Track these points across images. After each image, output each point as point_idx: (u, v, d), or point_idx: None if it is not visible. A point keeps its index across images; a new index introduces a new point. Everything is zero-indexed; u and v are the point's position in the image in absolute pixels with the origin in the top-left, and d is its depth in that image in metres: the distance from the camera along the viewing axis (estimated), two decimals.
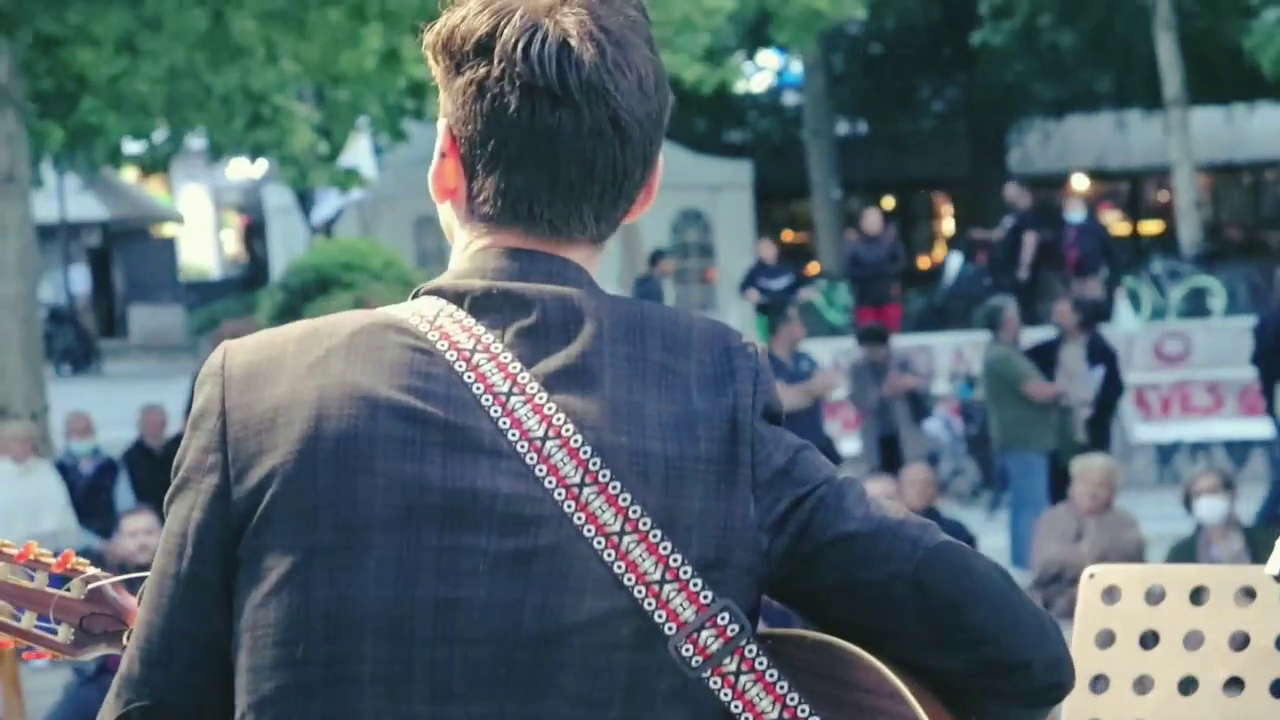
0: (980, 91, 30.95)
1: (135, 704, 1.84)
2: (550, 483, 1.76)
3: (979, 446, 15.52)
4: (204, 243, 45.33)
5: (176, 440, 11.11)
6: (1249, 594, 2.54)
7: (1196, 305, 20.80)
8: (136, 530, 9.31)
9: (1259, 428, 16.30)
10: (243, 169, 38.92)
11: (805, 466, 1.84)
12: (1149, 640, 2.59)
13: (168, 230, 43.10)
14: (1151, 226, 37.44)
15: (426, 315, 1.82)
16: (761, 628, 1.86)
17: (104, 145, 15.64)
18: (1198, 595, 2.58)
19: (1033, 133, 33.18)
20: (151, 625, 1.84)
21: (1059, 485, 13.06)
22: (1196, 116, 25.05)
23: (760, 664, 1.79)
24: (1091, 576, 2.63)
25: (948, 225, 41.60)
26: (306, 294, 18.97)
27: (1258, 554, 9.25)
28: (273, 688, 1.76)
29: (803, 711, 1.79)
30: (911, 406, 13.92)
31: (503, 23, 1.82)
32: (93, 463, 13.03)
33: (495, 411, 1.77)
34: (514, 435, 1.77)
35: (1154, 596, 2.59)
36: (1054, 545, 9.76)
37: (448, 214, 1.93)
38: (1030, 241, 21.41)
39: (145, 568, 7.44)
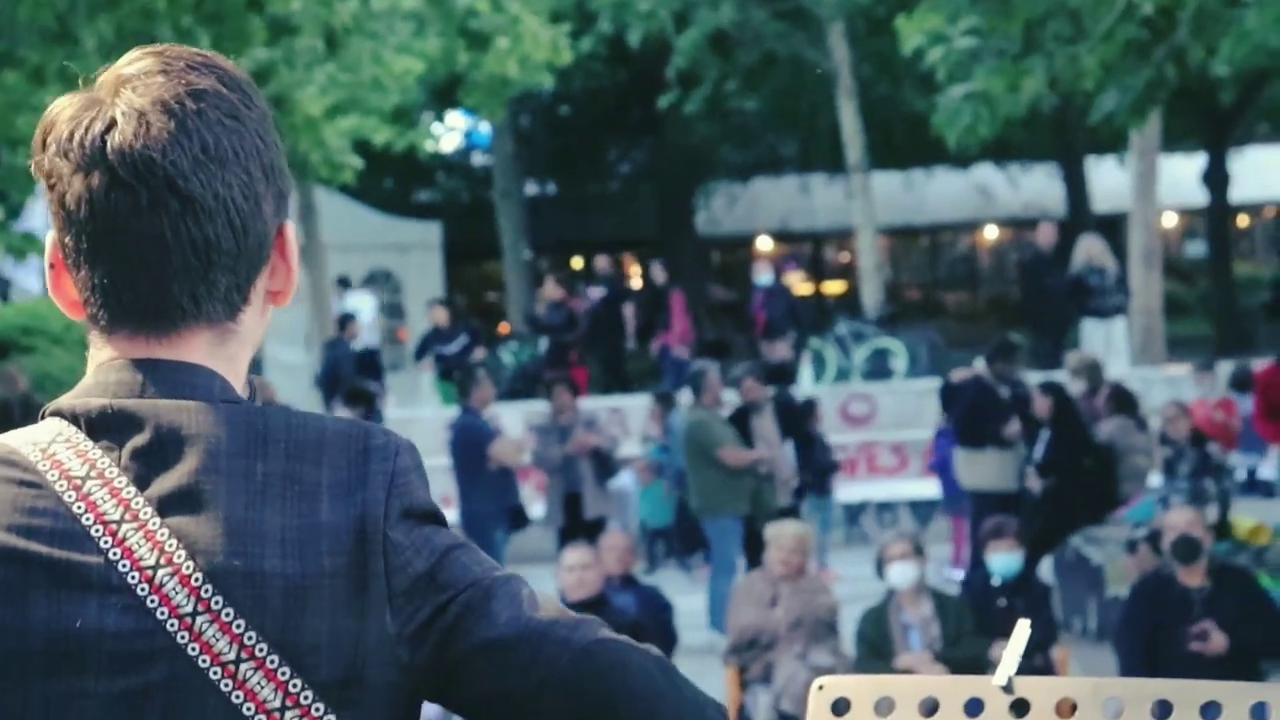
0: (668, 154, 31.45)
1: None
2: (162, 614, 1.68)
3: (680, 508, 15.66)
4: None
5: None
6: (978, 705, 2.57)
7: (879, 366, 21.31)
8: None
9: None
10: None
11: (452, 569, 1.76)
12: None
13: None
14: (834, 287, 38.35)
15: (40, 443, 1.74)
16: None
17: None
18: (928, 706, 2.60)
19: (719, 195, 33.77)
20: None
21: (756, 550, 13.29)
22: (877, 180, 25.76)
23: None
24: (821, 688, 2.63)
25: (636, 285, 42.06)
26: None
27: (946, 617, 9.47)
28: None
29: None
30: (597, 465, 13.97)
31: (64, 110, 1.77)
32: None
33: (105, 543, 1.69)
34: (125, 566, 1.69)
35: (885, 708, 2.60)
36: (749, 611, 9.85)
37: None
38: (629, 312, 22.60)
39: None
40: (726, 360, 18.48)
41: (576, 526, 13.47)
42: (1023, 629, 2.08)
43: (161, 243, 1.74)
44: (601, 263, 25.68)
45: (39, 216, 19.66)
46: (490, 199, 30.39)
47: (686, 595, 12.56)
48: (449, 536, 1.79)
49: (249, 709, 1.69)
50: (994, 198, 34.53)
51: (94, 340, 1.80)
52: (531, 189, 32.99)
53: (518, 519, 13.56)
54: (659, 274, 23.13)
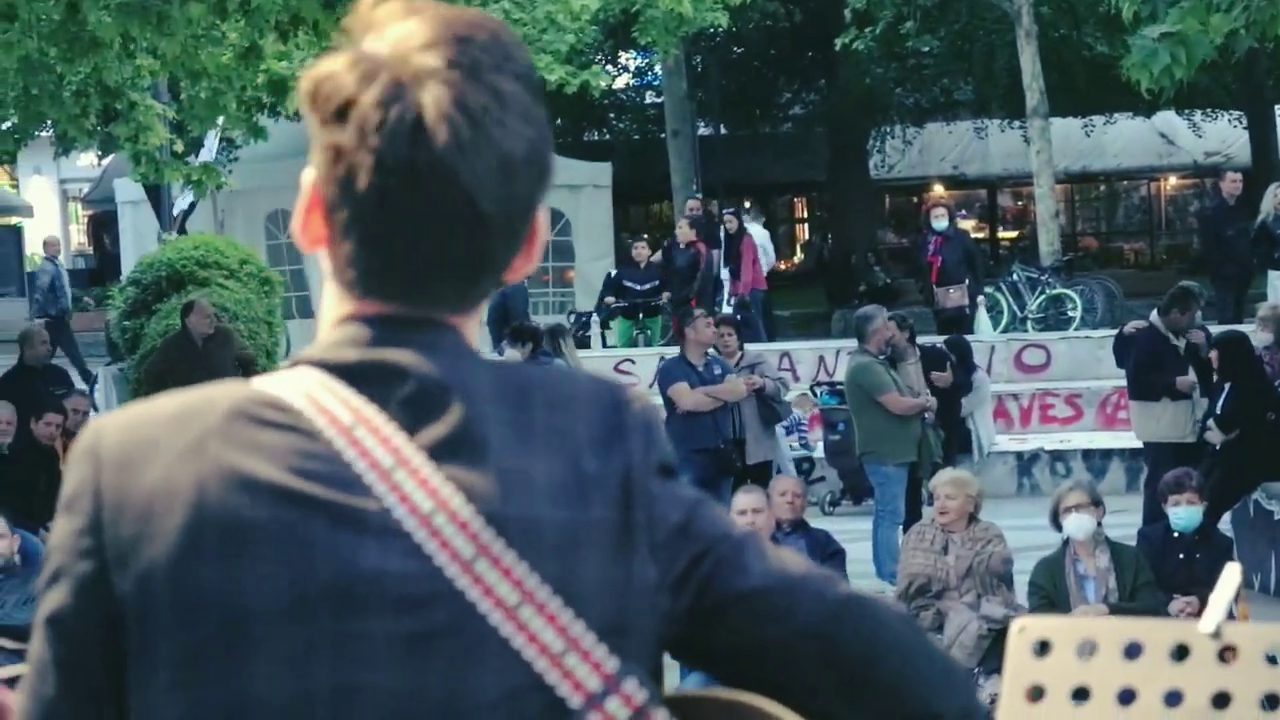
0: (841, 96, 31.13)
1: None
2: (442, 559, 1.69)
3: (841, 455, 15.53)
4: (50, 234, 44.56)
5: (23, 439, 10.77)
6: (1183, 651, 2.46)
7: (1054, 315, 21.01)
8: None
9: (1117, 439, 16.47)
10: (90, 161, 38.34)
11: (703, 522, 1.79)
12: (1081, 696, 2.49)
13: (13, 221, 42.32)
14: (1008, 235, 37.92)
15: (303, 390, 1.74)
16: (670, 689, 1.79)
17: None
18: (1131, 651, 2.49)
19: (892, 139, 33.42)
20: (30, 711, 1.77)
21: (918, 498, 13.15)
22: (1055, 125, 25.32)
23: None
24: (1022, 630, 2.53)
25: (804, 230, 41.93)
26: (160, 291, 18.59)
27: (1123, 569, 9.29)
28: None
29: None
30: (762, 409, 13.82)
31: (364, 88, 1.71)
32: None
33: (380, 489, 1.70)
34: (402, 512, 1.70)
35: (1086, 651, 2.50)
36: (920, 559, 9.73)
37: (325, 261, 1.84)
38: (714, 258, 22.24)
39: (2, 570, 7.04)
40: (895, 306, 18.29)
41: (743, 470, 13.34)
42: (1233, 574, 2.01)
43: (444, 249, 1.74)
44: (693, 204, 25.44)
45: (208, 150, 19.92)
46: (661, 139, 30.31)
47: (855, 542, 12.45)
48: (692, 491, 1.82)
49: (530, 653, 1.69)
50: (1176, 145, 33.89)
51: (339, 293, 1.80)
52: (703, 130, 32.84)
53: (726, 457, 13.26)
54: (731, 221, 22.87)
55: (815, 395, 16.85)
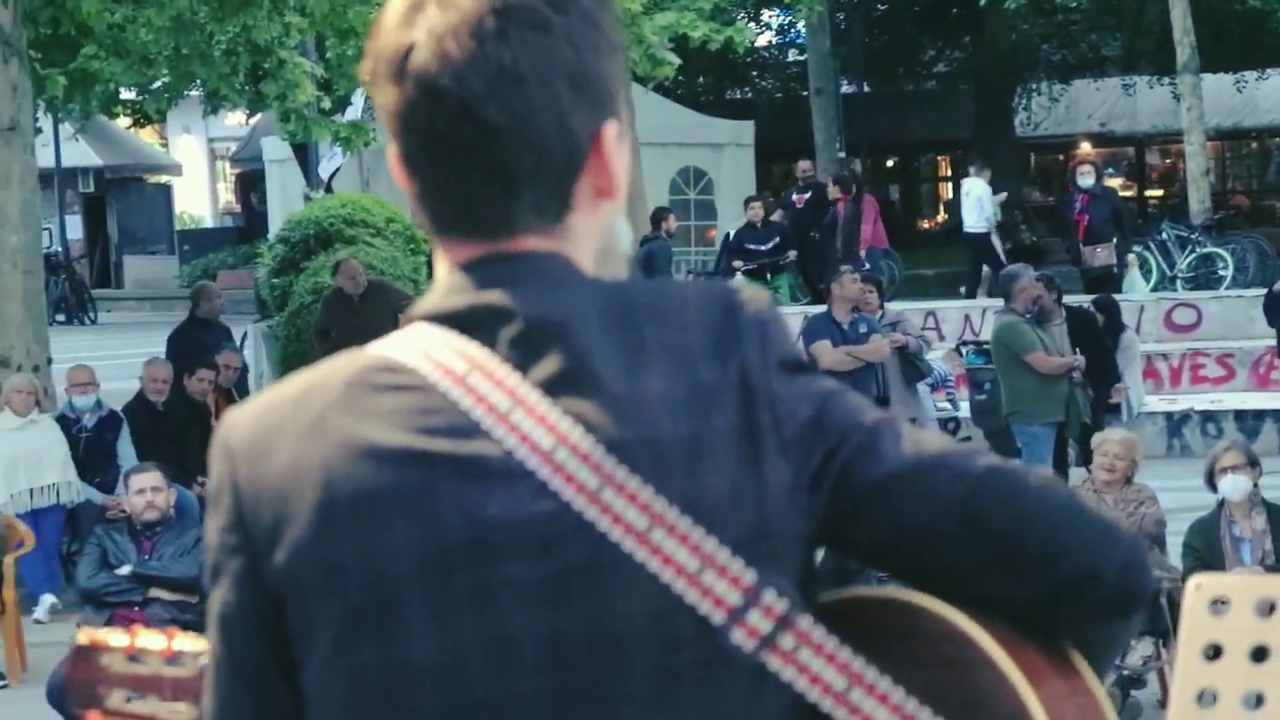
0: (986, 53, 30.77)
1: None
2: (569, 494, 1.68)
3: (986, 415, 15.38)
4: (198, 193, 45.14)
5: (178, 395, 10.96)
6: None
7: (1205, 274, 20.67)
8: (144, 487, 9.17)
9: (1271, 399, 16.21)
10: (238, 120, 38.74)
11: (835, 414, 1.75)
12: (1260, 655, 2.45)
13: (162, 179, 42.90)
14: (1155, 193, 37.35)
15: (417, 346, 1.76)
16: (826, 593, 1.78)
17: (101, 93, 15.42)
18: None
19: (1038, 96, 32.99)
20: (213, 707, 1.83)
21: (1064, 459, 13.01)
22: (1206, 81, 24.87)
23: (817, 636, 1.70)
24: (1198, 587, 2.49)
25: (947, 188, 41.53)
26: (308, 248, 18.77)
27: (1278, 533, 9.14)
28: None
29: (871, 676, 1.70)
30: (904, 366, 13.73)
31: (388, 23, 1.77)
32: (94, 416, 12.88)
33: (500, 433, 1.70)
34: (524, 452, 1.69)
35: (1265, 609, 2.45)
36: None
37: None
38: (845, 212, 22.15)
39: (152, 525, 7.31)
40: (1041, 265, 18.08)
41: None
42: None
43: (461, 165, 1.75)
44: (804, 165, 25.23)
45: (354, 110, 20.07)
46: (804, 97, 30.12)
47: None
48: (824, 383, 1.78)
49: (667, 575, 1.68)
50: None
51: (435, 244, 1.82)
52: (846, 88, 32.60)
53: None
54: (834, 190, 22.66)
55: (962, 354, 16.70)
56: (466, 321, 1.75)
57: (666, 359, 1.72)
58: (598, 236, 1.84)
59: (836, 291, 13.34)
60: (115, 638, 2.25)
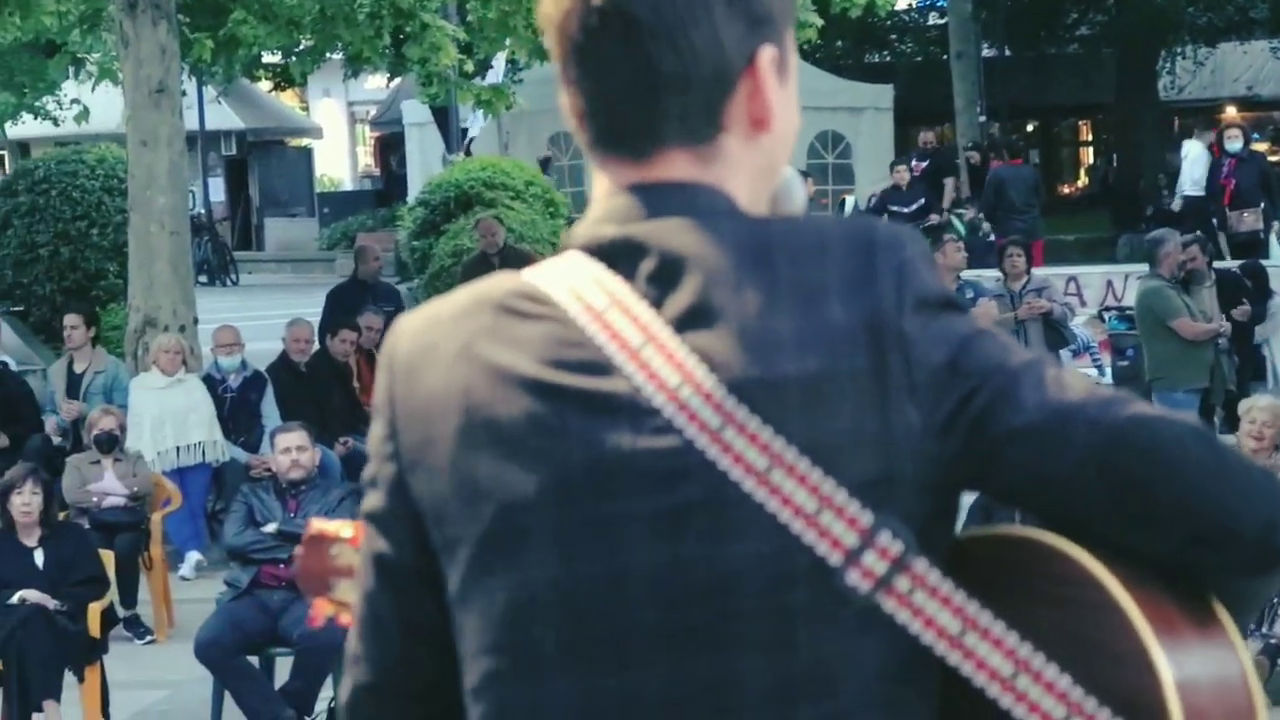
0: (1130, 16, 30.31)
1: (360, 681, 1.90)
2: (691, 431, 1.70)
3: (1129, 381, 15.23)
4: (338, 156, 45.52)
5: (321, 355, 11.11)
6: None
7: None
8: (289, 446, 9.29)
9: None
10: (378, 84, 38.99)
11: (973, 357, 1.73)
12: None
13: (303, 143, 43.29)
14: None
15: (562, 278, 1.79)
16: (968, 530, 1.77)
17: (244, 57, 15.54)
18: None
19: (1183, 59, 32.47)
20: (360, 606, 1.90)
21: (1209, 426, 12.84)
22: None
23: (933, 579, 1.69)
24: None
25: (1088, 153, 41.04)
26: (448, 211, 18.90)
27: None
28: (478, 675, 1.79)
29: (985, 620, 1.69)
30: (1048, 332, 13.60)
31: None
32: (239, 376, 13.05)
33: (630, 368, 1.73)
34: (650, 389, 1.72)
35: None
36: None
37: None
38: (950, 185, 22.31)
39: (298, 484, 7.35)
40: (1185, 230, 17.79)
41: None
42: None
43: (608, 66, 1.78)
44: (926, 136, 24.96)
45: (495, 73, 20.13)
46: (944, 61, 29.85)
47: None
48: (967, 323, 1.75)
49: (785, 516, 1.69)
50: None
51: (594, 170, 1.85)
52: (986, 51, 32.27)
53: None
54: (974, 156, 22.44)
55: (1104, 319, 16.53)
56: (610, 254, 1.77)
57: (798, 297, 1.71)
58: (759, 173, 1.83)
59: (940, 260, 13.26)
60: (344, 529, 2.30)
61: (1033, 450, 1.70)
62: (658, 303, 1.73)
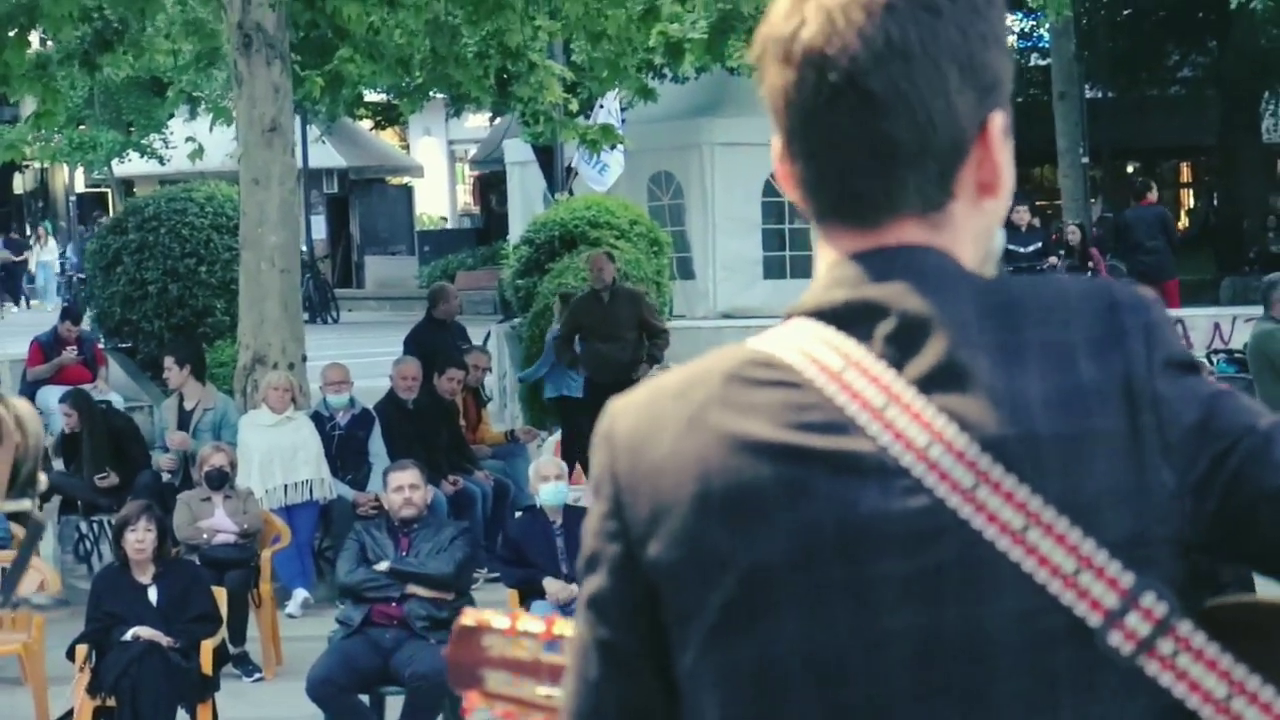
0: (1234, 58, 30.09)
1: None
2: (943, 491, 1.68)
3: None
4: (438, 194, 45.85)
5: (427, 393, 11.15)
6: None
7: None
8: (403, 485, 9.32)
9: None
10: (479, 122, 39.24)
11: (1223, 417, 1.70)
12: None
13: (403, 181, 43.62)
14: None
15: (794, 342, 1.77)
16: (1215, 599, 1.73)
17: (348, 95, 15.63)
18: None
19: None
20: (576, 691, 1.86)
21: None
22: None
23: (1197, 641, 1.67)
24: None
25: (1188, 195, 40.72)
26: (552, 250, 18.93)
27: None
28: None
29: (1253, 685, 1.66)
30: None
31: (777, 13, 1.80)
32: (347, 414, 13.11)
33: (874, 429, 1.70)
34: (897, 449, 1.69)
35: None
36: None
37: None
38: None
39: (410, 522, 7.32)
40: None
41: None
42: None
43: (842, 138, 1.75)
44: (1021, 216, 24.73)
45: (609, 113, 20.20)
46: (1045, 101, 29.70)
47: None
48: (1210, 385, 1.74)
49: (1042, 576, 1.66)
50: None
51: (819, 239, 1.83)
52: (1089, 93, 32.09)
53: None
54: (1074, 234, 22.26)
55: (1212, 363, 16.36)
56: (844, 317, 1.75)
57: (1046, 357, 1.70)
58: (980, 235, 1.82)
59: None
60: (497, 620, 2.29)
61: None
62: (898, 364, 1.72)
